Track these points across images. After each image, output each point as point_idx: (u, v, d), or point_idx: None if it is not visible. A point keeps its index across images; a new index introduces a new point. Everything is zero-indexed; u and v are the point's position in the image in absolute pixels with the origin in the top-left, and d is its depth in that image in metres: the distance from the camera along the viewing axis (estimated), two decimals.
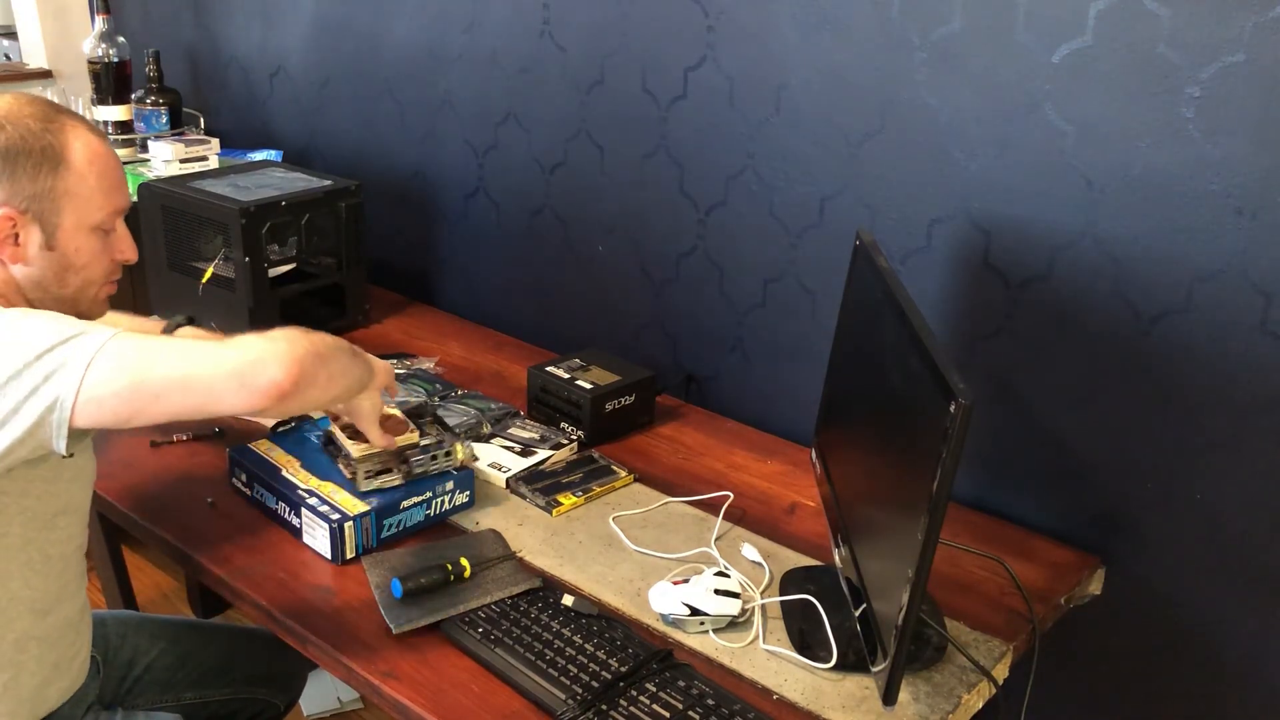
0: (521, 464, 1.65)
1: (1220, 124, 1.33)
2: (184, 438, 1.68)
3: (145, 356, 1.07)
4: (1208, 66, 1.32)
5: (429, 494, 1.48)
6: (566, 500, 1.57)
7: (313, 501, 1.41)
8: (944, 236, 1.61)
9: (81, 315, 1.19)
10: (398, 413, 1.52)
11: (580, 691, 1.17)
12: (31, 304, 1.20)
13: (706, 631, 1.31)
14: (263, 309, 1.99)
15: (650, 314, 2.04)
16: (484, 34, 2.14)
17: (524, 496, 1.59)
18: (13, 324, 1.07)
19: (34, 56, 3.14)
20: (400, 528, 1.46)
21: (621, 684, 1.19)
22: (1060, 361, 1.54)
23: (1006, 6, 1.46)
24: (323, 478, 1.47)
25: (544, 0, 2.01)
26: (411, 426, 1.49)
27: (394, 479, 1.46)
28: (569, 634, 1.26)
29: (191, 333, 1.51)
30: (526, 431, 1.75)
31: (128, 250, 1.27)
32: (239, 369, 1.09)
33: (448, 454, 1.49)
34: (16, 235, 1.16)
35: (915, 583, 1.05)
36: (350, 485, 1.45)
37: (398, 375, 1.94)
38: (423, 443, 1.48)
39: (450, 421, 1.71)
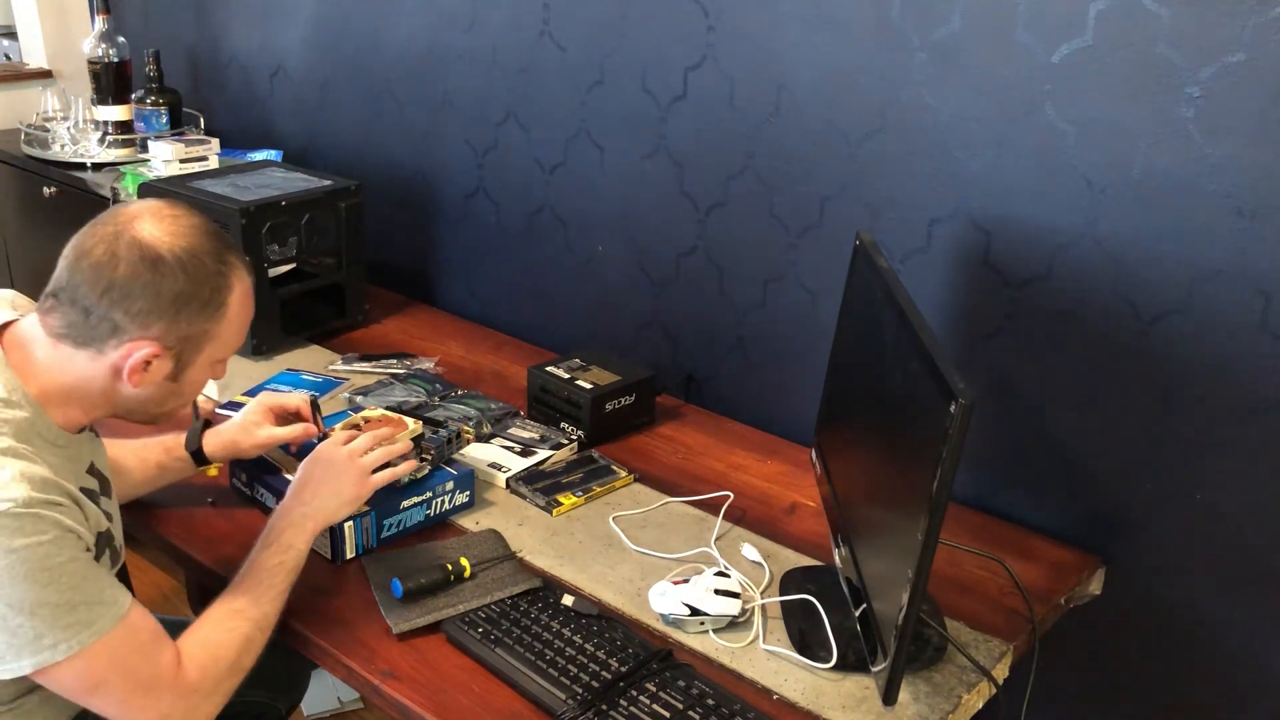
0: (521, 464, 1.65)
1: (1220, 124, 1.32)
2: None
3: (108, 682, 1.09)
4: (1208, 66, 1.32)
5: (429, 494, 1.48)
6: (566, 500, 1.57)
7: None
8: (944, 236, 1.61)
9: (149, 425, 1.23)
10: (392, 413, 1.51)
11: (580, 691, 1.17)
12: (113, 412, 1.18)
13: (706, 631, 1.31)
14: (263, 309, 1.97)
15: (650, 314, 2.04)
16: (484, 34, 2.14)
17: (524, 496, 1.59)
18: (42, 567, 1.04)
19: (34, 56, 3.14)
20: (400, 528, 1.46)
21: (621, 684, 1.19)
22: (1060, 361, 1.54)
23: (1006, 6, 1.46)
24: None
25: (544, 0, 2.01)
26: (410, 421, 1.48)
27: (423, 470, 1.46)
28: (569, 634, 1.26)
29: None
30: (526, 431, 1.75)
31: (221, 373, 1.26)
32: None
33: (459, 436, 1.51)
34: (150, 364, 1.13)
35: (915, 583, 1.05)
36: None
37: (397, 375, 1.94)
38: (430, 433, 1.50)
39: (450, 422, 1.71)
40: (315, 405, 1.50)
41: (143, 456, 1.45)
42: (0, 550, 1.01)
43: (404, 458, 1.42)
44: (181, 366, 1.17)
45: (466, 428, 1.51)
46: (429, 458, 1.47)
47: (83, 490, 1.13)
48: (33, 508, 1.03)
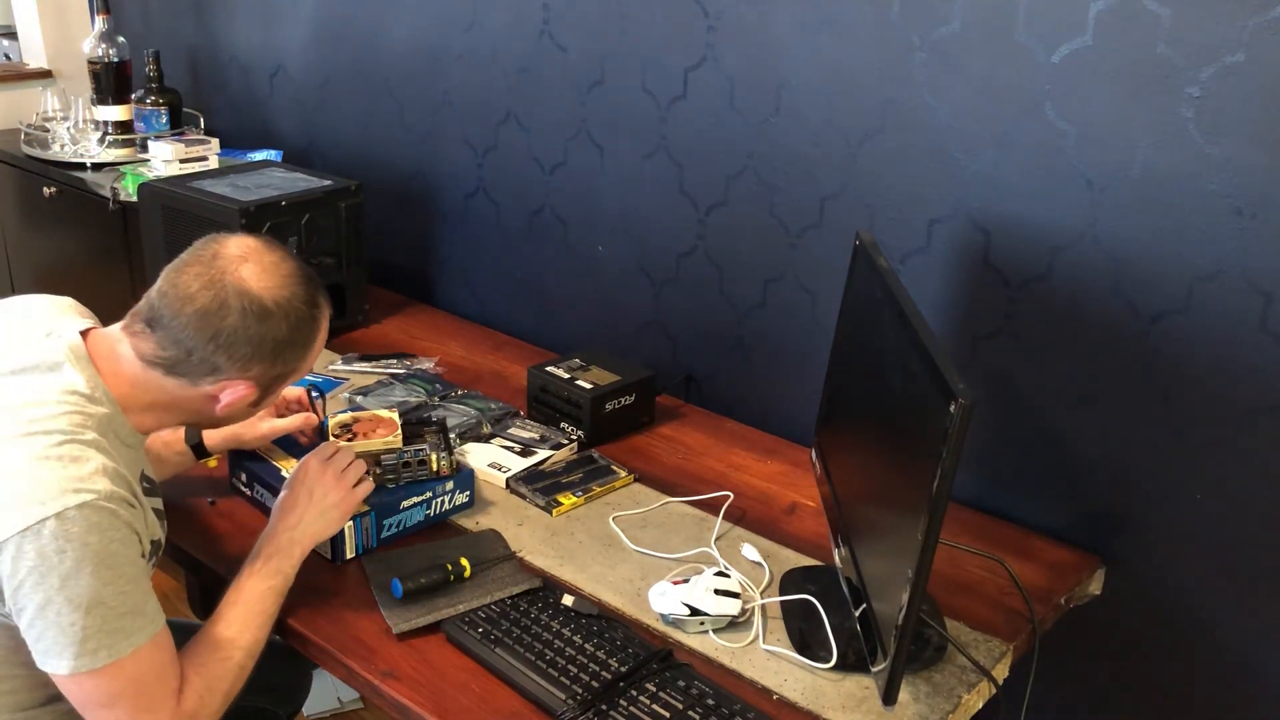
0: (521, 464, 1.65)
1: (1220, 124, 1.32)
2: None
3: (124, 698, 1.10)
4: (1208, 66, 1.32)
5: (429, 494, 1.48)
6: (566, 500, 1.57)
7: None
8: (944, 236, 1.61)
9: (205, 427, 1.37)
10: (391, 415, 1.52)
11: (580, 691, 1.17)
12: (185, 423, 1.28)
13: (706, 631, 1.31)
14: None
15: (650, 314, 2.04)
16: (484, 34, 2.14)
17: (524, 496, 1.59)
18: (107, 564, 1.06)
19: (34, 56, 3.14)
20: (400, 528, 1.46)
21: (621, 684, 1.19)
22: (1060, 361, 1.54)
23: (1006, 6, 1.46)
24: None
25: (544, 0, 2.01)
26: (396, 430, 1.49)
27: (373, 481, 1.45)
28: (569, 634, 1.26)
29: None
30: (526, 431, 1.75)
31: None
32: None
33: (422, 463, 1.47)
34: (240, 397, 1.19)
35: (915, 583, 1.05)
36: None
37: (397, 375, 1.94)
38: (401, 449, 1.47)
39: (450, 422, 1.71)
40: (316, 395, 1.51)
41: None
42: (76, 541, 1.02)
43: (368, 473, 1.41)
44: (265, 396, 1.23)
45: (435, 456, 1.48)
46: (376, 472, 1.44)
47: (142, 487, 1.16)
48: (111, 503, 1.05)
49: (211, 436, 1.47)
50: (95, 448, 1.07)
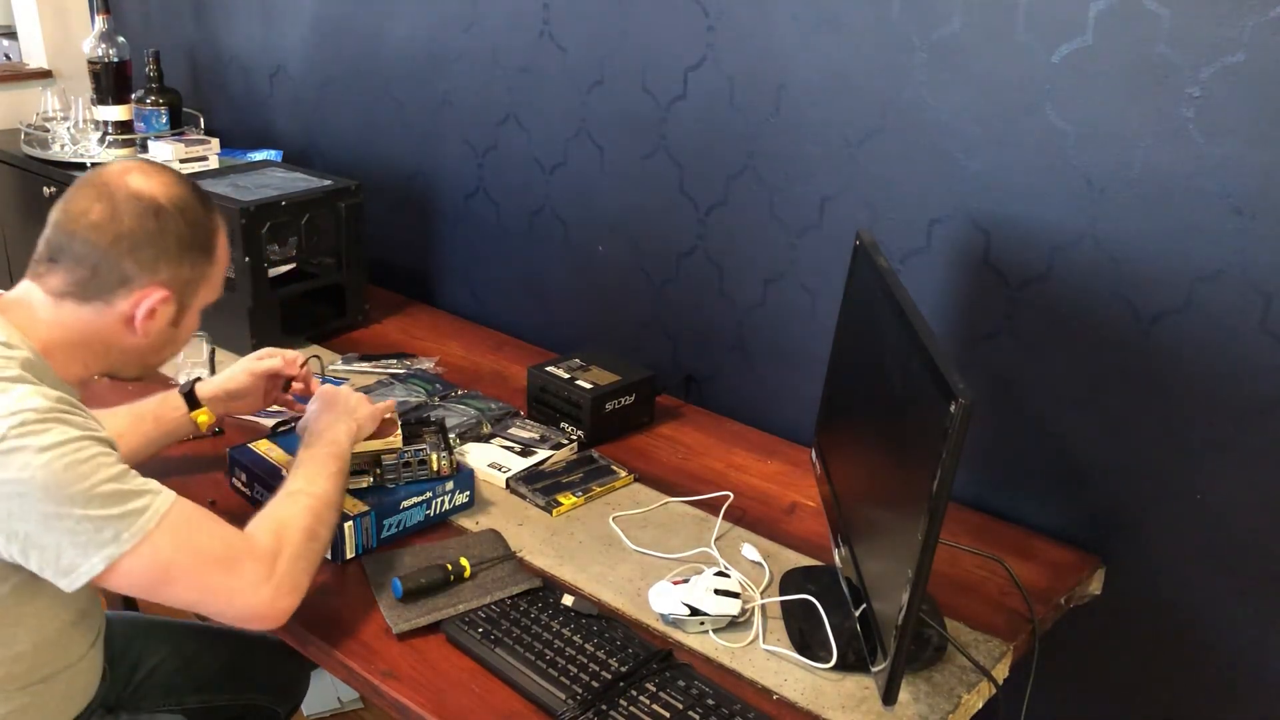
0: (521, 464, 1.65)
1: (1220, 124, 1.32)
2: (184, 438, 1.68)
3: (178, 564, 1.10)
4: (1208, 66, 1.32)
5: (429, 494, 1.48)
6: (566, 500, 1.57)
7: None
8: (944, 236, 1.61)
9: (138, 379, 1.29)
10: (391, 415, 1.52)
11: (580, 691, 1.17)
12: (109, 366, 1.22)
13: (706, 631, 1.31)
14: (263, 309, 1.99)
15: (650, 314, 2.04)
16: (484, 34, 2.14)
17: (524, 496, 1.59)
18: (78, 460, 1.05)
19: (34, 56, 3.14)
20: (400, 528, 1.46)
21: (621, 684, 1.19)
22: (1060, 361, 1.54)
23: (1006, 6, 1.46)
24: None
25: (544, 0, 2.01)
26: (398, 430, 1.49)
27: (363, 481, 1.46)
28: (569, 634, 1.26)
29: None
30: (526, 431, 1.75)
31: (196, 326, 1.32)
32: (244, 613, 1.15)
33: (422, 463, 1.48)
34: (155, 311, 1.18)
35: (915, 583, 1.05)
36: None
37: (397, 375, 1.94)
38: (401, 449, 1.48)
39: (450, 422, 1.71)
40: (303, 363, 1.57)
41: (138, 413, 1.47)
42: (33, 453, 1.02)
43: (369, 471, 1.47)
44: (182, 311, 1.22)
45: (435, 456, 1.49)
46: (376, 472, 1.46)
47: None
48: (53, 413, 1.05)
49: (203, 388, 1.50)
50: (20, 380, 1.07)
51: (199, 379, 1.53)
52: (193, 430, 1.51)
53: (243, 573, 1.13)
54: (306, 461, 1.30)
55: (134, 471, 1.11)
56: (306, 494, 1.24)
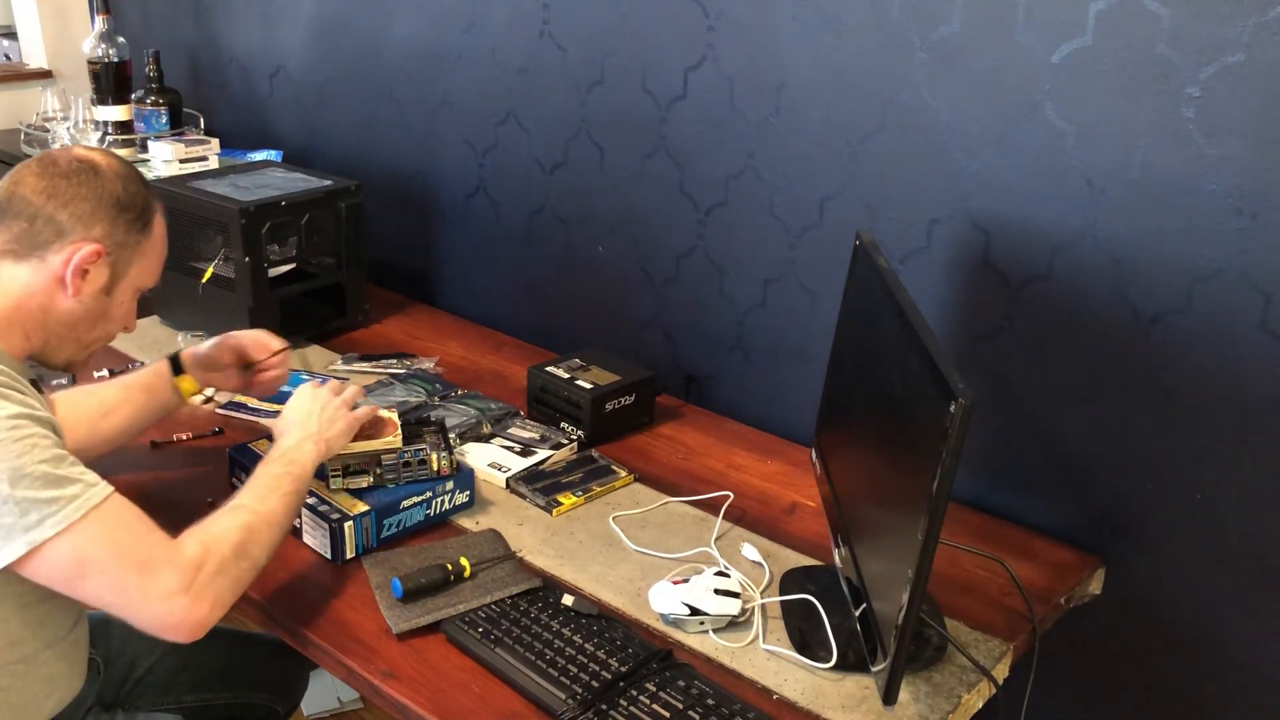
0: (521, 464, 1.65)
1: (1220, 124, 1.32)
2: (184, 437, 1.68)
3: (96, 560, 1.07)
4: (1208, 66, 1.32)
5: (429, 494, 1.48)
6: (566, 500, 1.57)
7: (312, 501, 1.41)
8: (944, 236, 1.61)
9: (71, 363, 1.26)
10: (391, 415, 1.52)
11: (580, 691, 1.17)
12: (47, 340, 1.21)
13: (706, 631, 1.31)
14: (263, 309, 1.99)
15: (650, 314, 2.04)
16: (484, 34, 2.14)
17: (524, 496, 1.59)
18: (12, 437, 1.05)
19: (34, 56, 3.14)
20: (400, 528, 1.46)
21: (621, 684, 1.19)
22: (1060, 361, 1.54)
23: (1006, 6, 1.46)
24: (321, 477, 1.47)
25: (544, 0, 2.01)
26: (398, 430, 1.49)
27: (362, 480, 1.45)
28: (569, 634, 1.26)
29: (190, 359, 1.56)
30: (526, 431, 1.75)
31: (132, 322, 1.31)
32: (155, 622, 1.11)
33: (422, 463, 1.48)
34: (88, 271, 1.19)
35: (915, 583, 1.05)
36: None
37: (397, 375, 1.94)
38: (401, 449, 1.47)
39: (450, 422, 1.71)
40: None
41: (128, 384, 1.50)
42: None
43: (369, 469, 1.47)
44: (115, 279, 1.23)
45: (435, 455, 1.49)
46: (377, 472, 1.46)
47: None
48: None
49: (184, 357, 1.53)
50: None
51: (184, 350, 1.57)
52: (179, 401, 1.53)
53: (159, 579, 1.08)
54: (261, 477, 1.27)
55: (73, 458, 1.10)
56: (249, 510, 1.21)
